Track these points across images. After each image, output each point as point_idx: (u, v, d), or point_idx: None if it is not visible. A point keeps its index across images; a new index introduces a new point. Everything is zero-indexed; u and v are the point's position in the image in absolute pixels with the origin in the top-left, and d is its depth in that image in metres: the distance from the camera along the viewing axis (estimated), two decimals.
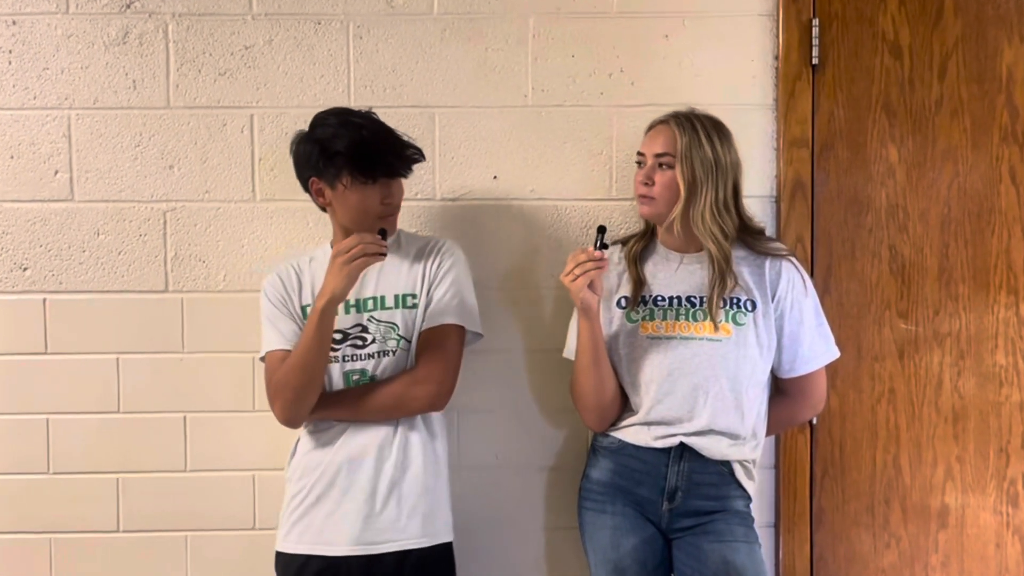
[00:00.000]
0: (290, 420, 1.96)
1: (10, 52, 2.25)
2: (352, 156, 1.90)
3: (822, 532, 2.32)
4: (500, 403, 2.24)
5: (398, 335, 1.99)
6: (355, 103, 2.23)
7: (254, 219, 2.27)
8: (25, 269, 2.27)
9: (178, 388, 2.28)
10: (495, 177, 2.28)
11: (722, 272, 1.96)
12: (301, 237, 2.27)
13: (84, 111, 2.25)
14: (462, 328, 2.01)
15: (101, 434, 2.28)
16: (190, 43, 2.25)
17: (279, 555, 2.00)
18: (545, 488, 2.30)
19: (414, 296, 2.01)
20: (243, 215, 2.27)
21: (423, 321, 1.99)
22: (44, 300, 2.27)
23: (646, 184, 1.98)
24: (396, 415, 1.96)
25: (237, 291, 2.27)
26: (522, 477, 2.30)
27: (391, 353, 1.98)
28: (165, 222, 2.27)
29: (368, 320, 2.00)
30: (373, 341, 1.99)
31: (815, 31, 2.26)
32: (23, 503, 2.29)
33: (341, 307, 1.95)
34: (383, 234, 1.88)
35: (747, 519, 2.01)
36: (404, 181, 2.02)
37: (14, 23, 2.24)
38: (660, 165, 1.97)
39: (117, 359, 2.27)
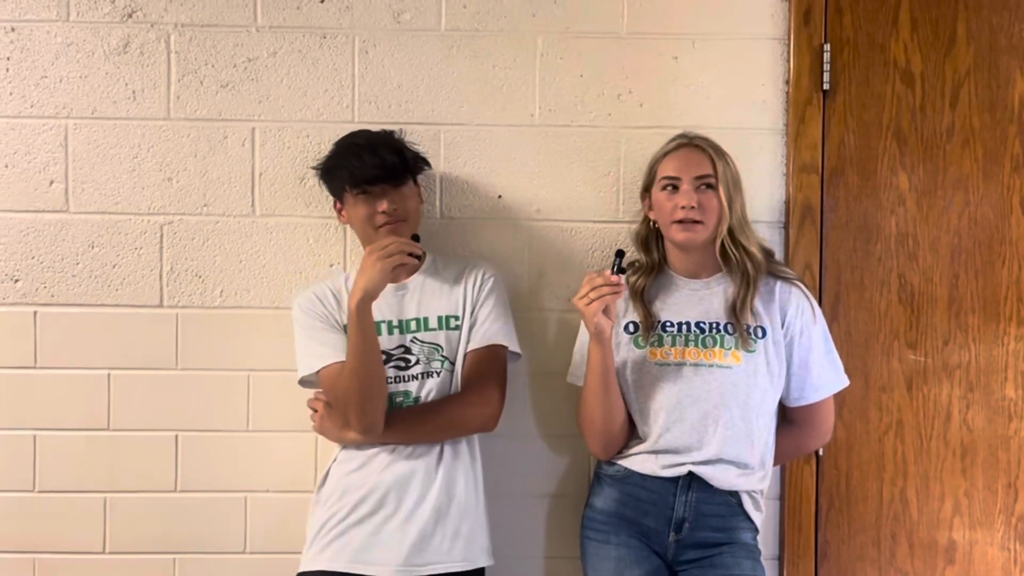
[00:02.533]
0: (369, 428, 1.90)
1: (8, 59, 2.20)
2: (339, 168, 1.97)
3: (827, 566, 2.27)
4: (502, 427, 2.15)
5: (442, 356, 1.98)
6: (359, 119, 2.21)
7: (253, 234, 2.22)
8: (16, 280, 2.21)
9: (170, 406, 2.22)
10: (500, 196, 2.24)
11: (754, 286, 1.94)
12: (301, 254, 2.22)
13: (82, 121, 2.21)
14: (506, 348, 2.00)
15: (89, 452, 2.22)
16: (192, 54, 2.21)
17: (304, 575, 1.94)
18: (547, 515, 2.25)
19: (457, 317, 2.00)
20: (242, 230, 2.22)
21: (467, 342, 1.98)
22: (35, 313, 2.21)
23: (694, 207, 1.92)
24: (450, 436, 1.96)
25: (234, 308, 2.22)
26: (524, 504, 2.24)
27: (435, 374, 1.97)
28: (162, 235, 2.22)
29: (411, 341, 1.98)
30: (417, 362, 1.97)
31: (826, 56, 2.24)
32: (6, 521, 2.22)
33: (384, 328, 1.97)
34: (416, 239, 1.89)
35: (754, 552, 1.96)
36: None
37: (13, 30, 2.20)
38: (700, 187, 1.94)
39: (108, 375, 2.22)
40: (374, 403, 1.88)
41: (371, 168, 1.93)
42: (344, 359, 1.91)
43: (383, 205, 1.94)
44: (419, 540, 1.90)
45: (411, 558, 1.89)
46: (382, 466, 1.94)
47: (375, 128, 2.07)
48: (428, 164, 2.11)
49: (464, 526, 1.94)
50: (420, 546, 1.90)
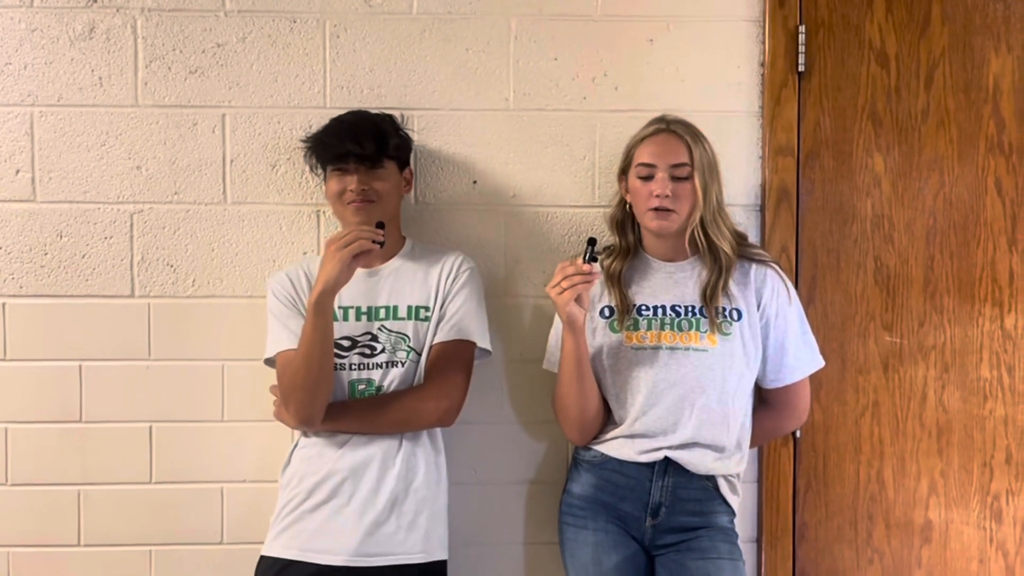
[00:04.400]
0: (305, 421, 1.91)
1: None
2: (317, 143, 2.00)
3: (805, 547, 2.28)
4: (479, 415, 2.17)
5: (408, 346, 1.97)
6: (331, 104, 2.18)
7: (225, 222, 2.20)
8: None
9: (144, 397, 2.19)
10: (475, 182, 2.22)
11: (727, 272, 1.93)
12: (274, 241, 2.20)
13: (48, 108, 2.17)
14: (473, 344, 1.99)
15: (62, 444, 2.19)
16: (160, 39, 2.17)
17: (262, 559, 1.95)
18: (525, 502, 2.24)
19: (427, 309, 1.99)
20: (213, 218, 2.20)
21: (434, 335, 1.97)
22: (3, 304, 2.18)
23: (668, 196, 1.91)
24: (405, 429, 1.94)
25: (206, 296, 2.19)
26: (501, 491, 2.24)
27: (400, 364, 1.96)
28: (132, 224, 2.19)
29: (379, 329, 1.97)
30: (383, 351, 1.96)
31: (801, 38, 2.23)
32: None
33: (352, 314, 1.97)
34: (380, 225, 1.87)
35: (731, 535, 1.96)
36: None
37: None
38: (675, 176, 1.92)
39: (80, 366, 2.19)
40: (316, 398, 1.87)
41: (345, 145, 1.94)
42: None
43: (352, 183, 1.94)
44: (373, 529, 1.89)
45: (363, 547, 1.89)
46: (339, 453, 1.93)
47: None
48: (407, 161, 2.09)
49: (421, 518, 1.93)
50: (374, 536, 1.89)
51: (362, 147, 1.94)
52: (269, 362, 2.00)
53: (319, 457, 1.95)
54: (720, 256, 1.95)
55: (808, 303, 2.20)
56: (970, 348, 2.27)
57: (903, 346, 2.27)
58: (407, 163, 2.07)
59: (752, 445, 2.06)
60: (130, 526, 2.20)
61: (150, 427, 2.20)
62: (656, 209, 1.92)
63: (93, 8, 2.16)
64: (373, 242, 1.82)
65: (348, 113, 2.05)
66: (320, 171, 2.06)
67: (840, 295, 2.26)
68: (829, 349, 2.20)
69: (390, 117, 2.06)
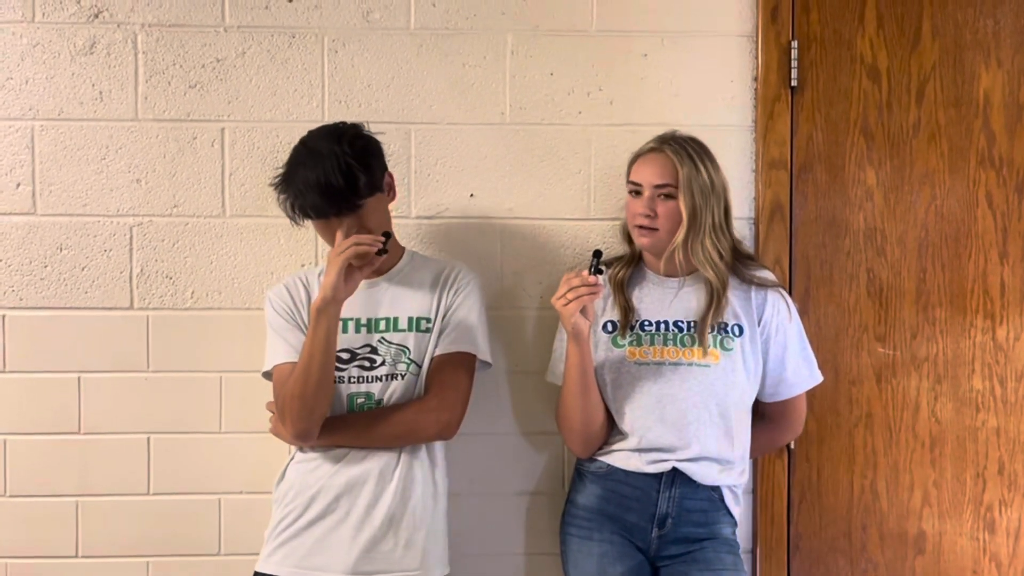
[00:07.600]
0: (302, 434, 1.86)
1: None
2: (287, 196, 1.87)
3: (799, 558, 2.29)
4: (477, 426, 2.18)
5: (409, 359, 1.94)
6: (329, 118, 2.18)
7: (224, 235, 2.21)
8: None
9: (142, 408, 2.21)
10: (472, 195, 2.24)
11: (719, 297, 1.94)
12: (272, 254, 2.21)
13: (48, 122, 2.19)
14: (474, 357, 1.97)
15: (61, 455, 2.20)
16: (160, 54, 2.20)
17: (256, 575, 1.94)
18: (524, 513, 2.25)
19: (428, 320, 1.96)
20: (212, 231, 2.21)
21: (435, 346, 1.95)
22: (3, 316, 2.19)
23: (648, 216, 1.94)
24: (405, 443, 1.91)
25: (205, 309, 2.21)
26: (501, 501, 2.25)
27: (400, 377, 1.93)
28: (131, 237, 2.21)
29: (379, 341, 1.95)
30: (383, 363, 1.93)
31: (794, 53, 2.25)
32: None
33: (352, 325, 1.94)
34: (388, 235, 1.84)
35: (734, 547, 1.99)
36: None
37: None
38: (660, 195, 1.94)
39: (79, 378, 2.20)
40: (314, 410, 1.83)
41: (319, 204, 1.82)
42: (296, 360, 1.87)
43: (338, 236, 1.84)
44: (370, 547, 1.87)
45: (360, 565, 1.86)
46: (336, 468, 1.90)
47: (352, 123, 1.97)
48: (386, 172, 1.95)
49: (419, 535, 1.90)
50: (370, 553, 1.87)
51: (340, 208, 1.82)
52: (268, 375, 1.99)
53: (315, 472, 1.92)
54: (712, 279, 1.95)
55: (801, 315, 2.20)
56: (962, 359, 2.29)
57: (896, 358, 2.29)
58: (383, 176, 1.94)
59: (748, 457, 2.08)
60: (128, 537, 2.21)
61: (148, 438, 2.21)
62: (640, 227, 1.95)
63: (94, 23, 2.19)
64: (377, 252, 1.79)
65: (305, 146, 1.88)
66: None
67: (833, 307, 2.28)
68: (822, 360, 2.20)
69: (349, 140, 1.86)
